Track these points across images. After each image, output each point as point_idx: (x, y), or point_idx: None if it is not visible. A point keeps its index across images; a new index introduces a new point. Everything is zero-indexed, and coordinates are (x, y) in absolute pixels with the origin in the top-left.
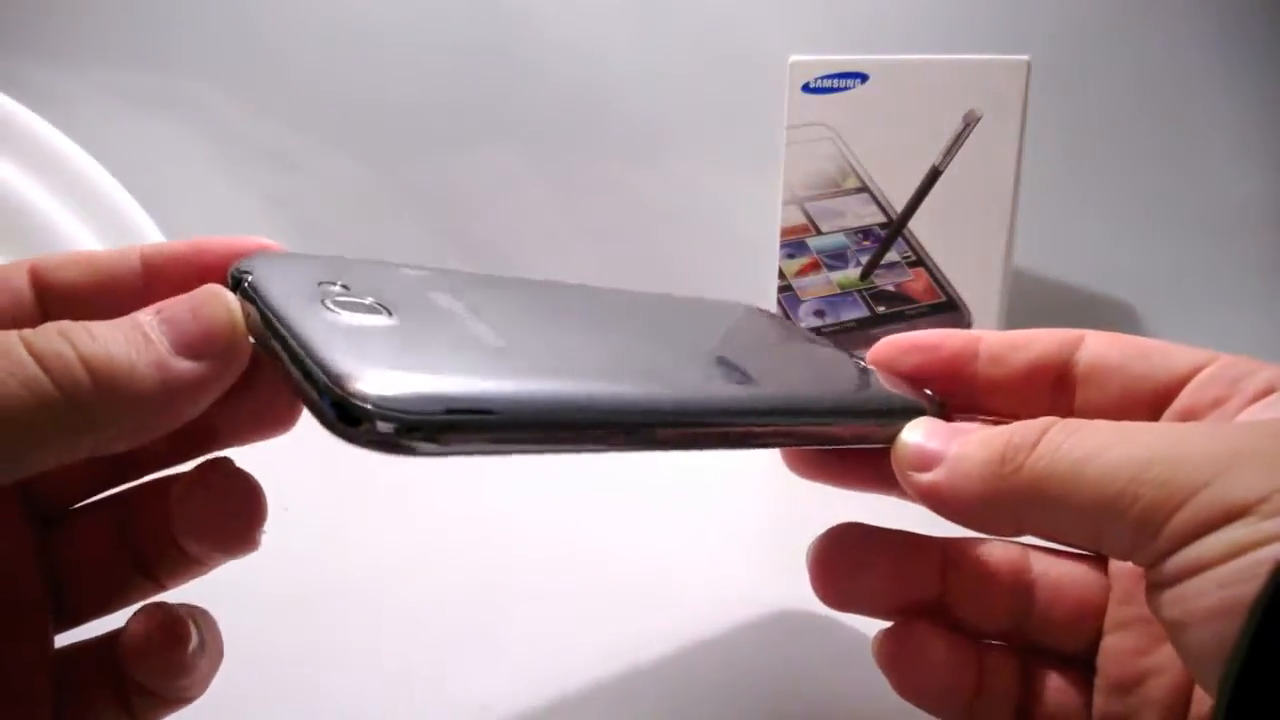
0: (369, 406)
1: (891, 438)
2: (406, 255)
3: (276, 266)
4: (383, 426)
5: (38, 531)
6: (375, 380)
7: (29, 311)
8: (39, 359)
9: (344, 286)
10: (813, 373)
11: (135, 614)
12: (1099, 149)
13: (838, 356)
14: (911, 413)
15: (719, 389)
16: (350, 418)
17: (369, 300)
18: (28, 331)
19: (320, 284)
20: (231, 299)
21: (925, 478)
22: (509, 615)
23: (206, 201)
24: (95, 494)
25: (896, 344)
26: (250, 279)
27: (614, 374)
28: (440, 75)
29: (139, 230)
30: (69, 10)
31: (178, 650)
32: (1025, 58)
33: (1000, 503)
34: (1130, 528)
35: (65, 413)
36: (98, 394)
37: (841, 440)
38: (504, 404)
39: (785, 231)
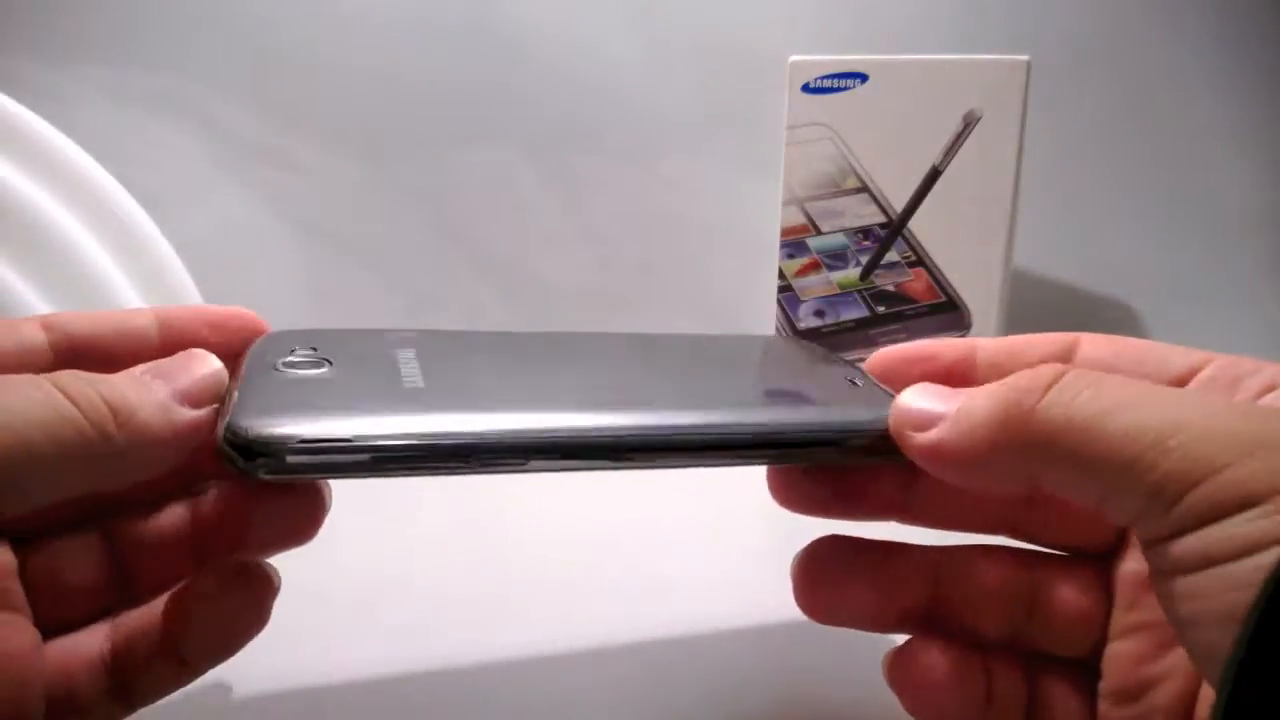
0: (231, 449)
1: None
2: (406, 254)
3: (272, 339)
4: (242, 464)
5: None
6: (254, 426)
7: (46, 362)
8: (68, 396)
9: (313, 349)
10: (759, 389)
11: (204, 569)
12: (1099, 149)
13: (828, 371)
14: (868, 433)
15: (624, 411)
16: (226, 455)
17: (321, 357)
18: (48, 375)
19: (294, 349)
20: (214, 359)
21: (927, 436)
22: (507, 617)
23: (205, 201)
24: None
25: (892, 356)
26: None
27: (510, 404)
28: (440, 75)
29: (138, 229)
30: (67, 8)
31: (266, 593)
32: (1025, 58)
33: (1009, 453)
34: (1143, 495)
35: (93, 443)
36: (117, 428)
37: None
38: (353, 438)
39: (785, 231)
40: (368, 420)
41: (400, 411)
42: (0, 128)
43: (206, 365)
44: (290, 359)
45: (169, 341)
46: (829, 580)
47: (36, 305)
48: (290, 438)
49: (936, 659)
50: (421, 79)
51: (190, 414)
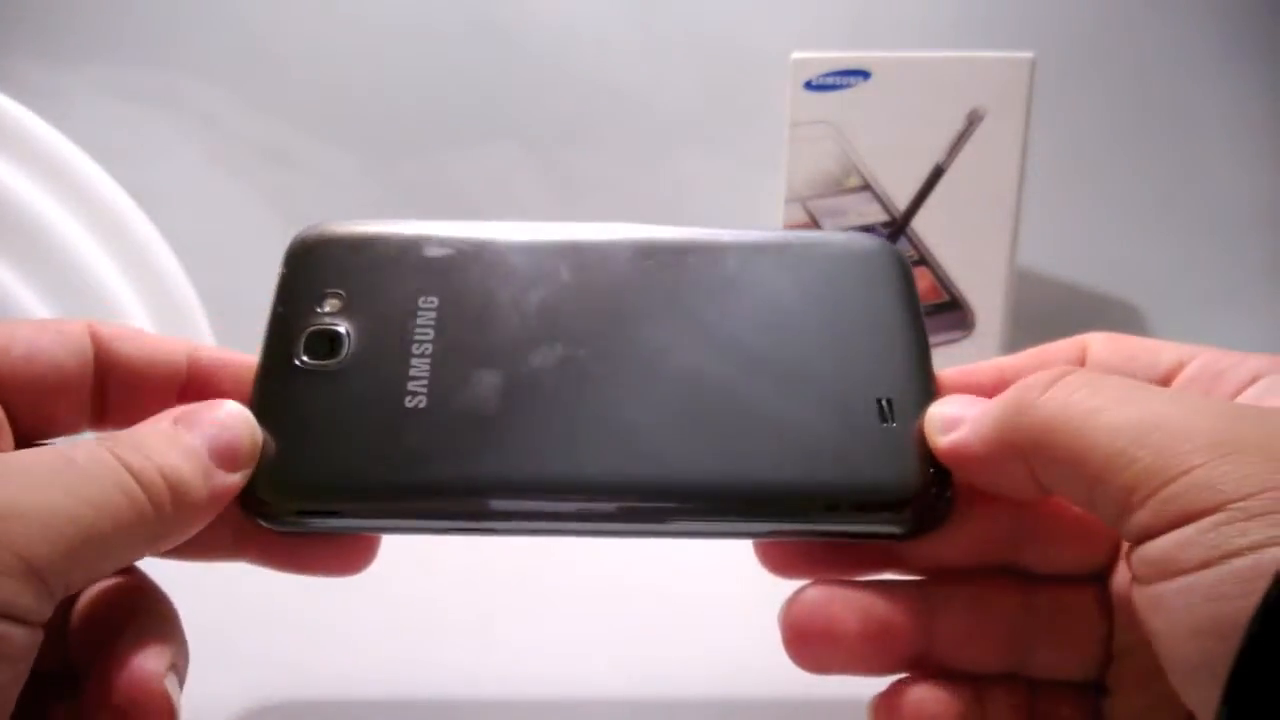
0: (251, 509)
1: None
2: None
3: (310, 262)
4: (261, 521)
5: None
6: (262, 486)
7: (87, 373)
8: (134, 475)
9: (339, 299)
10: (773, 444)
11: None
12: (1103, 147)
13: (866, 385)
14: (872, 506)
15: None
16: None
17: (339, 328)
18: (117, 447)
19: (324, 294)
20: (251, 422)
21: (948, 438)
22: (511, 624)
23: (203, 199)
24: None
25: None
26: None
27: (492, 455)
28: (439, 73)
29: (135, 228)
30: (66, 7)
31: None
32: (1029, 55)
33: (1011, 447)
34: (1119, 492)
35: (152, 522)
36: (173, 505)
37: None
38: (352, 509)
39: (788, 229)
40: (356, 485)
41: (394, 470)
42: None
43: (248, 432)
44: (312, 332)
45: (194, 380)
46: (820, 629)
47: (32, 303)
48: (285, 510)
49: (927, 698)
50: (421, 77)
51: (228, 480)
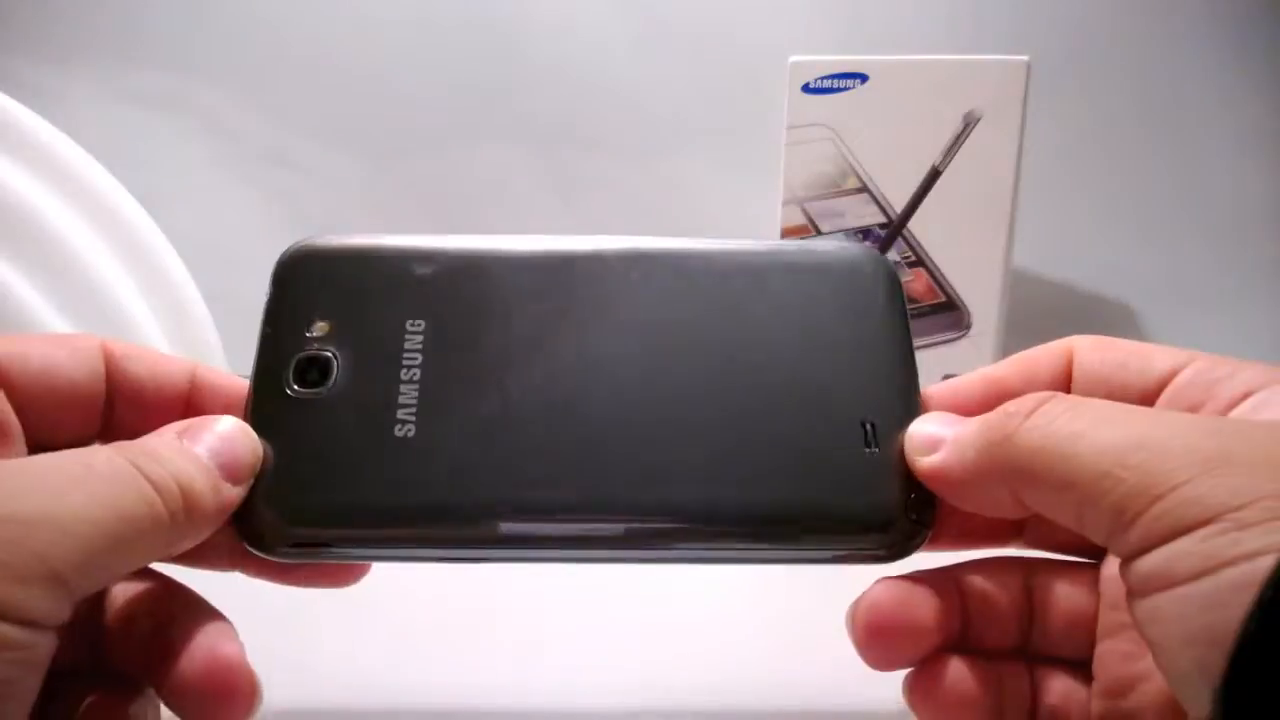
0: (246, 543)
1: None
2: None
3: (298, 281)
4: (257, 552)
5: None
6: (257, 519)
7: (99, 388)
8: (152, 482)
9: (327, 322)
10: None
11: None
12: (1099, 149)
13: (852, 407)
14: (853, 530)
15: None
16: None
17: (328, 354)
18: (133, 456)
19: (312, 316)
20: (253, 437)
21: (929, 460)
22: (510, 632)
23: (205, 200)
24: None
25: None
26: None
27: (482, 486)
28: (440, 75)
29: (138, 228)
30: (68, 9)
31: None
32: (1025, 58)
33: (993, 474)
34: (1108, 513)
35: (167, 529)
36: (185, 514)
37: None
38: (342, 540)
39: (785, 232)
40: (348, 520)
41: (383, 497)
42: (1, 128)
43: (248, 446)
44: (301, 359)
45: (194, 401)
46: (897, 633)
47: (37, 303)
48: (279, 542)
49: (957, 676)
50: (421, 79)
51: (232, 492)
